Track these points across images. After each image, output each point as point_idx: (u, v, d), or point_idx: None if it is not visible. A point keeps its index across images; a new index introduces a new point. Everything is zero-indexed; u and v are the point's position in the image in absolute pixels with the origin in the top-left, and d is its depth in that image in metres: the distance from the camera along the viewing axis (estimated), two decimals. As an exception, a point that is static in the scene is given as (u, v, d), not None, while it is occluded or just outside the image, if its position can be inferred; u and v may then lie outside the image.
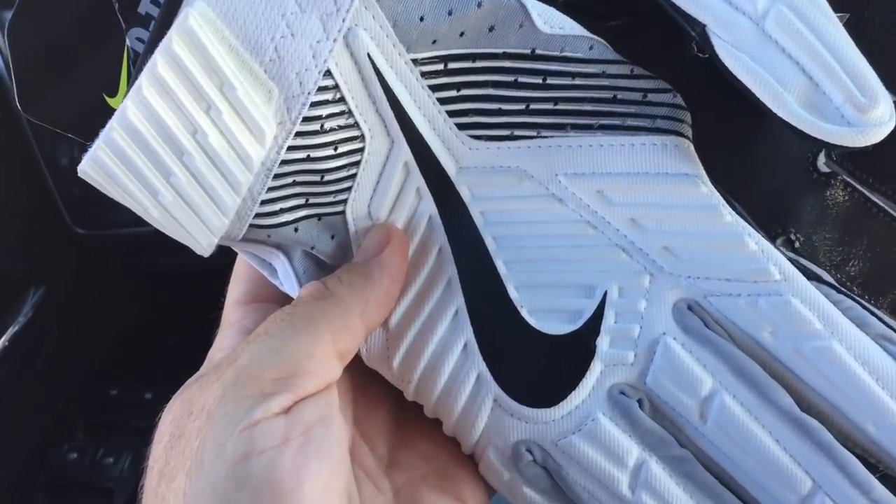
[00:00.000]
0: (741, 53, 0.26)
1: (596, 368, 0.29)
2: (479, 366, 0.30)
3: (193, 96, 0.26)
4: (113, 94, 0.29)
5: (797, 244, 0.32)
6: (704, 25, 0.26)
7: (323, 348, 0.27)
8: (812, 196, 0.32)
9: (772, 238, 0.30)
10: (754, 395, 0.27)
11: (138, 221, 0.30)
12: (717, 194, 0.28)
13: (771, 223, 0.31)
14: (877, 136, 0.25)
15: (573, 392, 0.29)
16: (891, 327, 0.27)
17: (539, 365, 0.30)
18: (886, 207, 0.31)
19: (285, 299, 0.31)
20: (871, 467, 0.26)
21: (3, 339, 0.71)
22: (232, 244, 0.30)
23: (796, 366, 0.27)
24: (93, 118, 0.27)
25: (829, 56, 0.25)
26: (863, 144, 0.25)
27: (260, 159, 0.27)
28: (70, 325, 0.78)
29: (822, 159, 0.32)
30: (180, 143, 0.26)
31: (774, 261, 0.27)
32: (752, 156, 0.31)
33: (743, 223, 0.28)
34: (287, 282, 0.31)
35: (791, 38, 0.26)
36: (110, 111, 0.26)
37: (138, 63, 0.26)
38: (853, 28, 0.33)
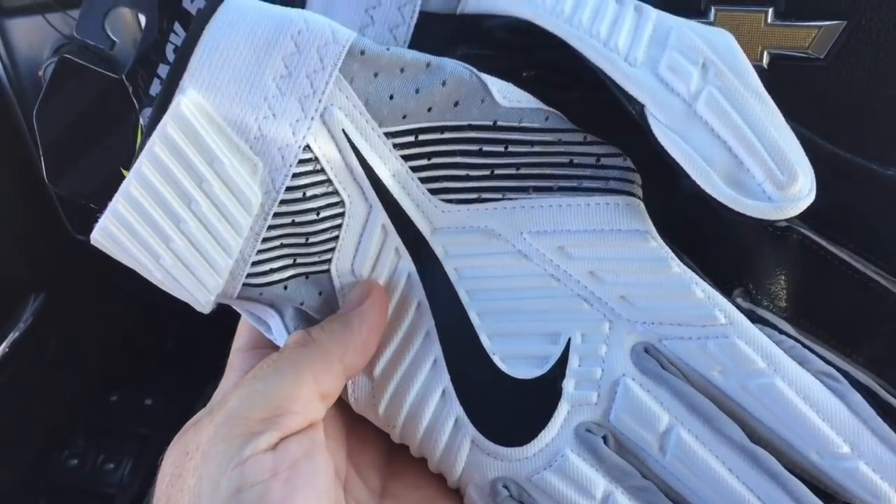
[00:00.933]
0: (673, 133, 0.28)
1: (563, 409, 0.31)
2: (456, 410, 0.32)
3: (187, 172, 0.29)
4: (129, 167, 0.32)
5: (755, 294, 0.34)
6: (643, 105, 0.29)
7: (305, 390, 0.29)
8: (769, 249, 0.33)
9: (728, 290, 0.32)
10: (707, 428, 0.29)
11: None
12: (666, 248, 0.31)
13: (727, 276, 0.33)
14: (794, 210, 0.27)
15: (543, 431, 0.31)
16: (830, 363, 0.29)
17: (512, 407, 0.32)
18: (846, 258, 0.32)
19: None
20: (822, 493, 0.28)
21: (4, 345, 0.70)
22: (229, 302, 0.33)
23: (744, 402, 0.29)
24: (111, 189, 0.30)
25: (752, 136, 0.28)
26: (782, 217, 0.27)
27: (248, 225, 0.30)
28: (70, 331, 0.78)
29: None
30: (177, 213, 0.29)
31: (720, 307, 0.30)
32: (707, 209, 0.33)
33: (690, 273, 0.30)
34: (280, 338, 0.33)
35: (718, 119, 0.28)
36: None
37: (141, 140, 0.30)
38: (850, 36, 0.35)
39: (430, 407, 0.32)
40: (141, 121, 0.33)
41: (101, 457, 0.75)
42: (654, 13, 0.31)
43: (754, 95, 0.28)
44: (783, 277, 0.34)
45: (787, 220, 0.34)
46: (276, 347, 0.34)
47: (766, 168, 0.27)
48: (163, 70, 0.32)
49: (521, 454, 0.31)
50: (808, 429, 0.28)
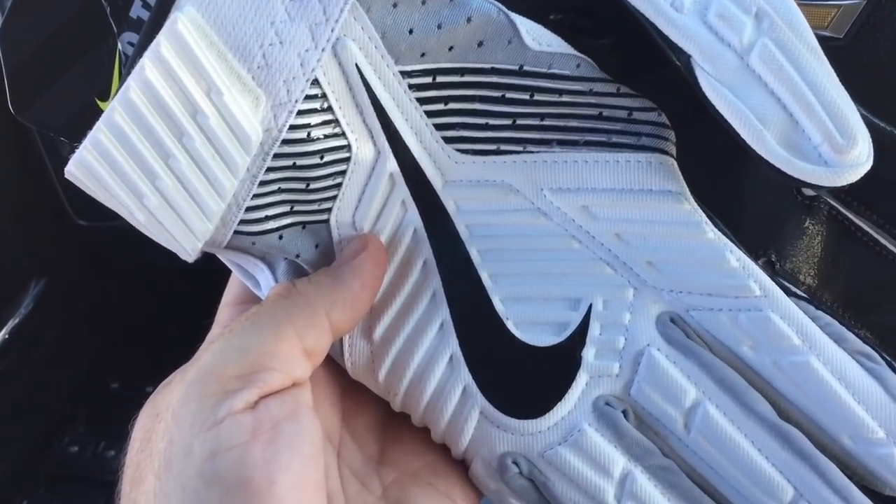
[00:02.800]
0: (723, 87, 0.26)
1: (581, 380, 0.29)
2: (465, 378, 0.30)
3: (181, 100, 0.26)
4: (105, 97, 0.29)
5: (778, 266, 0.32)
6: (690, 56, 0.26)
7: (286, 345, 0.26)
8: (795, 218, 0.33)
9: (753, 259, 0.31)
10: (736, 404, 0.28)
11: None
12: (700, 211, 0.29)
13: (753, 244, 0.32)
14: (852, 176, 0.25)
15: (559, 403, 0.29)
16: (868, 343, 0.27)
17: (525, 377, 0.30)
18: (871, 231, 0.32)
19: None
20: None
21: (4, 331, 0.69)
22: (217, 251, 0.30)
23: (775, 379, 0.28)
24: (84, 121, 0.27)
25: (810, 94, 0.26)
26: (838, 184, 0.25)
27: (245, 165, 0.27)
28: (71, 317, 0.77)
29: None
30: (166, 147, 0.26)
31: (755, 277, 0.28)
32: (736, 177, 0.32)
33: (725, 240, 0.28)
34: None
35: (774, 74, 0.26)
36: (102, 115, 0.26)
37: (127, 66, 0.26)
38: (870, 15, 0.34)
39: (435, 374, 0.30)
40: (119, 46, 0.30)
41: (101, 444, 0.75)
42: None
43: (811, 51, 0.26)
44: (808, 248, 0.33)
45: (815, 190, 0.33)
46: None
47: (824, 130, 0.25)
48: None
49: (534, 427, 0.29)
50: (843, 411, 0.27)
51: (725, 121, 0.26)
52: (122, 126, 0.25)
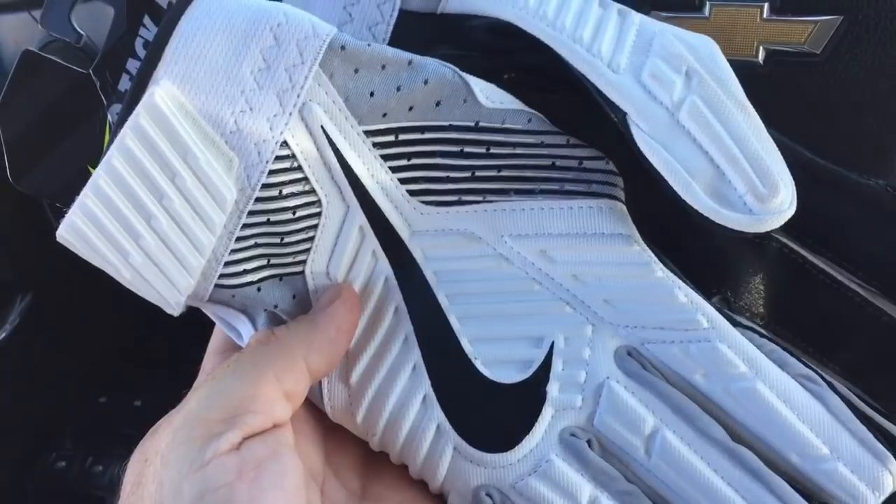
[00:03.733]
0: (655, 143, 0.28)
1: (547, 413, 0.31)
2: (438, 416, 0.31)
3: (159, 165, 0.28)
4: (96, 164, 0.31)
5: (733, 303, 0.34)
6: (626, 114, 0.29)
7: (267, 388, 0.28)
8: (748, 257, 0.34)
9: (707, 297, 0.32)
10: (692, 430, 0.29)
11: None
12: (649, 252, 0.31)
13: (707, 283, 0.33)
14: (775, 223, 0.27)
15: (527, 436, 0.30)
16: (810, 367, 0.29)
17: (494, 413, 0.31)
18: (826, 268, 0.33)
19: None
20: (802, 495, 0.28)
21: None
22: (200, 305, 0.31)
23: (727, 404, 0.29)
24: (77, 187, 0.28)
25: (734, 147, 0.28)
26: (762, 230, 0.27)
27: (222, 223, 0.29)
28: (58, 332, 0.76)
29: None
30: (148, 209, 0.28)
31: (702, 311, 0.30)
32: (686, 216, 0.33)
33: (674, 277, 0.30)
34: None
35: (701, 129, 0.28)
36: None
37: (111, 136, 0.28)
38: (847, 31, 0.35)
39: (410, 414, 0.31)
40: (109, 117, 0.32)
41: (89, 459, 0.73)
42: (637, 18, 0.31)
43: (737, 105, 0.29)
44: (762, 285, 0.34)
45: None
46: None
47: (747, 180, 0.27)
48: (132, 65, 0.31)
49: (505, 460, 0.31)
50: (789, 431, 0.29)
51: (658, 173, 0.28)
52: (107, 191, 0.27)
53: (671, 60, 0.29)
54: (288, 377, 0.29)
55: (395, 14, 0.33)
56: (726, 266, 0.33)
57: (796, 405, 0.29)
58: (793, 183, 0.27)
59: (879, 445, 0.28)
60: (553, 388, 0.31)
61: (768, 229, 0.27)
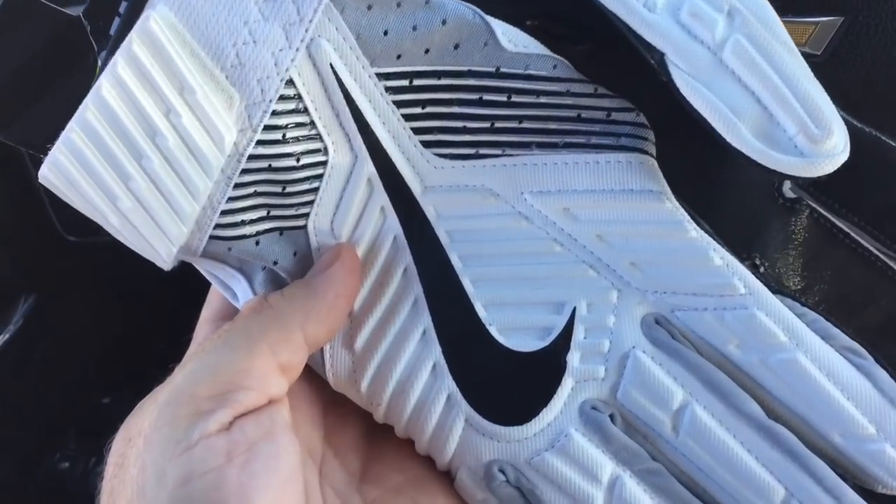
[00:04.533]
0: (697, 83, 0.26)
1: (567, 384, 0.28)
2: (449, 386, 0.29)
3: (153, 98, 0.25)
4: None
5: (762, 269, 0.32)
6: (663, 54, 0.27)
7: (260, 362, 0.26)
8: (777, 221, 0.32)
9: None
10: (724, 405, 0.27)
11: None
12: (682, 210, 0.28)
13: (736, 247, 0.31)
14: (829, 167, 0.25)
15: (545, 409, 0.28)
16: (855, 339, 0.27)
17: (510, 383, 0.29)
18: (852, 234, 0.31)
19: None
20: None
21: None
22: (194, 260, 0.29)
23: (763, 378, 0.27)
24: None
25: (783, 87, 0.26)
26: (815, 175, 0.25)
27: (220, 166, 0.27)
28: (61, 333, 0.75)
29: (787, 185, 0.33)
30: (139, 146, 0.26)
31: (739, 275, 0.28)
32: (717, 179, 0.31)
33: (708, 238, 0.28)
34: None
35: (747, 69, 0.26)
36: None
37: (100, 68, 0.26)
38: (848, 31, 0.34)
39: (419, 383, 0.29)
40: (99, 63, 0.30)
41: (92, 459, 0.72)
42: None
43: (784, 46, 0.26)
44: (791, 251, 0.32)
45: (797, 192, 0.33)
46: None
47: (799, 121, 0.25)
48: (125, 8, 0.29)
49: (520, 434, 0.28)
50: (832, 408, 0.26)
51: (701, 116, 0.26)
52: (95, 125, 0.25)
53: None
54: (283, 349, 0.26)
55: None
56: (756, 231, 0.31)
57: (841, 380, 0.26)
58: (845, 127, 0.25)
59: None
60: (574, 358, 0.28)
61: (822, 173, 0.25)
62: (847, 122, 0.30)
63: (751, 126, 0.25)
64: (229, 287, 0.31)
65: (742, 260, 0.31)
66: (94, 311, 0.78)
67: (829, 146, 0.25)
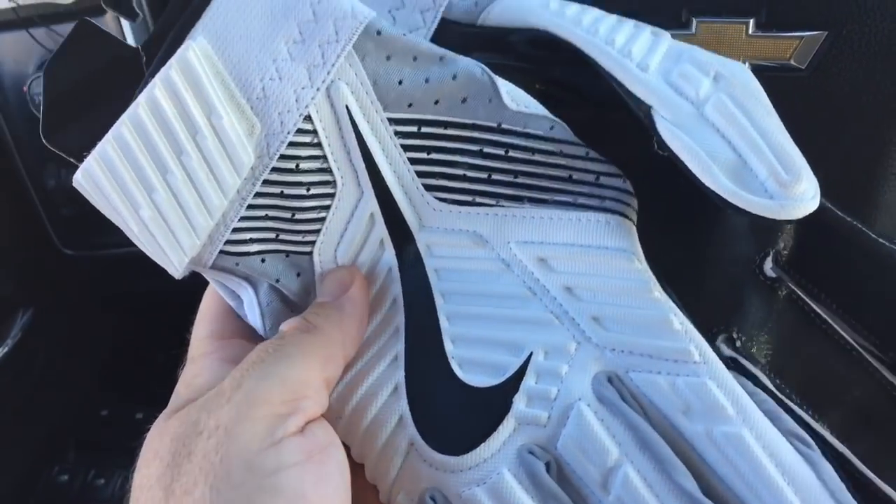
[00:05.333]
0: (678, 130, 0.27)
1: (509, 424, 0.29)
2: (402, 407, 0.31)
3: (183, 120, 0.29)
4: None
5: (738, 343, 0.32)
6: (650, 107, 0.28)
7: (315, 375, 0.29)
8: (757, 299, 0.32)
9: (713, 335, 0.31)
10: (658, 472, 0.27)
11: (125, 242, 0.32)
12: (650, 272, 0.29)
13: (715, 320, 0.32)
14: (797, 212, 0.25)
15: (483, 444, 0.29)
16: (804, 426, 0.27)
17: (457, 414, 0.30)
18: (829, 320, 0.31)
19: (252, 335, 0.33)
20: None
21: None
22: (203, 270, 0.32)
23: (706, 450, 0.27)
24: None
25: (758, 138, 0.27)
26: (784, 218, 0.25)
27: (236, 187, 0.30)
28: (59, 346, 0.78)
29: (768, 264, 0.33)
30: (166, 162, 0.29)
31: (696, 342, 0.28)
32: (701, 252, 0.32)
33: (670, 302, 0.29)
34: (251, 312, 0.33)
35: (726, 121, 0.27)
36: None
37: (140, 86, 0.29)
38: (832, 46, 0.35)
39: (379, 400, 0.31)
40: None
41: (91, 472, 0.75)
42: (668, 36, 0.30)
43: (763, 107, 0.27)
44: (768, 329, 0.32)
45: (777, 272, 0.33)
46: (245, 337, 0.33)
47: (770, 166, 0.26)
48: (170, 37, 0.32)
49: (457, 465, 0.29)
50: (771, 490, 0.26)
51: (679, 159, 0.27)
52: (128, 138, 0.29)
53: (701, 65, 0.28)
54: (329, 366, 0.30)
55: (437, 22, 0.33)
56: (735, 305, 0.31)
57: (783, 463, 0.26)
58: (816, 181, 0.26)
59: None
60: (521, 400, 0.29)
61: (790, 217, 0.25)
62: (829, 211, 0.31)
63: (725, 169, 0.27)
64: (236, 295, 0.34)
65: (720, 332, 0.32)
66: (91, 323, 0.80)
67: (798, 191, 0.25)
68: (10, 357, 0.71)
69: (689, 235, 0.31)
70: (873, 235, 0.31)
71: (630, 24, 0.31)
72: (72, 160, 0.33)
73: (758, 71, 0.36)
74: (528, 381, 0.29)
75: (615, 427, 0.28)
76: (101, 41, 0.33)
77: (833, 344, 0.31)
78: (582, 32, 0.30)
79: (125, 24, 0.61)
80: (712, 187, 0.26)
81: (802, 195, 0.25)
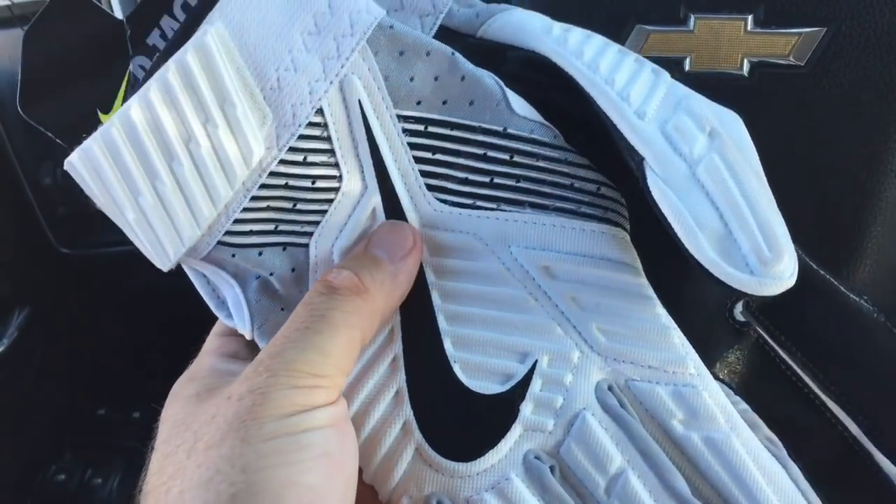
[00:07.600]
0: (669, 189, 0.28)
1: (516, 431, 0.30)
2: (406, 413, 0.31)
3: (195, 106, 0.28)
4: (106, 111, 0.30)
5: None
6: (643, 159, 0.29)
7: (355, 348, 0.29)
8: (725, 342, 0.34)
9: None
10: (657, 479, 0.29)
11: (122, 240, 0.31)
12: (651, 288, 0.30)
13: None
14: (774, 288, 0.27)
15: (492, 450, 0.30)
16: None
17: (463, 421, 0.31)
18: (795, 367, 0.33)
19: None
20: None
21: None
22: (188, 261, 0.31)
23: (698, 456, 0.29)
24: (81, 128, 0.29)
25: (746, 209, 0.28)
26: (760, 294, 0.27)
27: (243, 178, 0.29)
28: (56, 345, 0.77)
29: (738, 308, 0.35)
30: (173, 149, 0.28)
31: (691, 356, 0.30)
32: (675, 290, 0.32)
33: (670, 319, 0.30)
34: (236, 310, 0.32)
35: (716, 187, 0.28)
36: (99, 125, 0.28)
37: (128, 88, 0.28)
38: (831, 42, 0.35)
39: (380, 406, 0.31)
40: (130, 67, 0.31)
41: (88, 471, 0.74)
42: (668, 77, 0.31)
43: (754, 173, 0.29)
44: (734, 372, 0.34)
45: (746, 316, 0.35)
46: None
47: (753, 241, 0.27)
48: (166, 22, 0.30)
49: (465, 471, 0.30)
50: (755, 491, 0.28)
51: (666, 220, 0.28)
52: (136, 123, 0.27)
53: (697, 119, 0.29)
54: (367, 334, 0.30)
55: (437, 28, 0.33)
56: (703, 347, 0.32)
57: (763, 466, 0.28)
58: (796, 258, 0.27)
59: None
60: (527, 408, 0.30)
61: (766, 293, 0.27)
62: (802, 261, 0.32)
63: (710, 238, 0.27)
64: (216, 292, 0.33)
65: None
66: (88, 323, 0.79)
67: (778, 269, 0.27)
68: (7, 356, 0.70)
69: (664, 272, 0.31)
70: (843, 290, 0.33)
71: (631, 58, 0.31)
72: (49, 134, 0.31)
73: (757, 68, 0.37)
74: (534, 388, 0.30)
75: (618, 435, 0.29)
76: (86, 9, 0.31)
77: (797, 393, 0.33)
78: (583, 67, 0.30)
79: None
80: (695, 255, 0.27)
81: (782, 273, 0.27)
